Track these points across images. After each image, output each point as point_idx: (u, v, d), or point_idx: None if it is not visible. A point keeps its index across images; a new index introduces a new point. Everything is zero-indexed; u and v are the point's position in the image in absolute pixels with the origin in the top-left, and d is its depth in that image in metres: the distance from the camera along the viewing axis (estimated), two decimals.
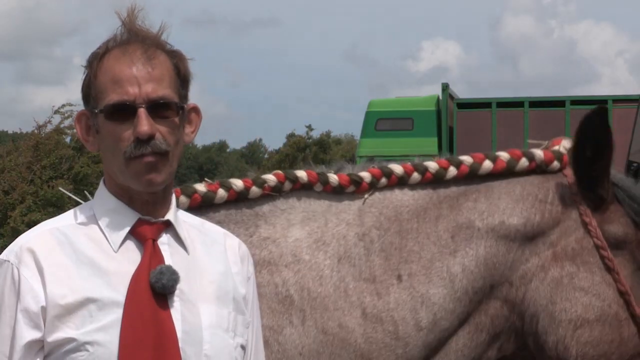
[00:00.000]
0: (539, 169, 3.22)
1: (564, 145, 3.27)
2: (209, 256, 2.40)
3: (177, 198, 3.00)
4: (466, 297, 3.03)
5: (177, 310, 2.26)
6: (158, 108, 2.27)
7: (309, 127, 44.13)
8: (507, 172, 3.22)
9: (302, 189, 3.18)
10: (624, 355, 3.08)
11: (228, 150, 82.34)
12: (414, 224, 3.12)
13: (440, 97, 19.97)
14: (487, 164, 3.21)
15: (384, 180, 3.19)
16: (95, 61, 2.32)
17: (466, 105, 20.47)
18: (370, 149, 19.31)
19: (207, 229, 2.49)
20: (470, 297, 3.04)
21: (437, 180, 3.20)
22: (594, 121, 3.09)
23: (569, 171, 3.20)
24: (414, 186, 3.20)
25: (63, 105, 33.96)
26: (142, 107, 2.25)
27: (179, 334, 2.24)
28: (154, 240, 2.31)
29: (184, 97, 2.36)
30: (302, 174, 3.17)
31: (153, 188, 2.30)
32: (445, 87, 19.86)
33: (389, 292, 3.01)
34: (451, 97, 20.15)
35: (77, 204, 2.54)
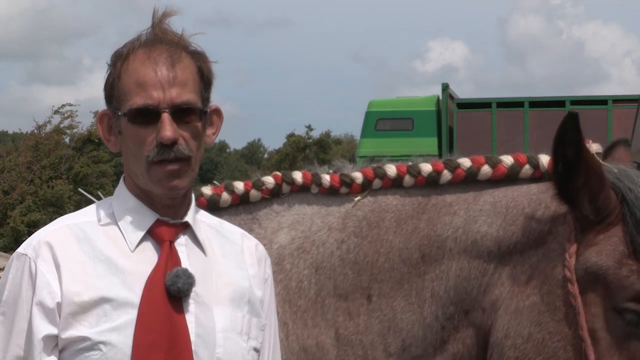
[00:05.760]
0: (544, 178, 2.77)
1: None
2: (225, 258, 2.39)
3: None
4: (437, 324, 2.74)
5: (191, 313, 2.25)
6: (182, 113, 2.26)
7: (309, 127, 44.14)
8: (510, 179, 2.80)
9: (301, 191, 3.03)
10: None
11: (228, 150, 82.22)
12: (391, 235, 2.84)
13: (440, 97, 19.97)
14: (486, 170, 2.83)
15: (377, 181, 2.95)
16: (119, 62, 2.29)
17: (466, 105, 20.46)
18: (370, 149, 19.31)
19: (225, 229, 2.48)
20: (442, 324, 2.74)
21: (431, 184, 2.88)
22: (565, 130, 2.56)
23: None
24: (408, 190, 2.91)
25: (63, 106, 34.04)
26: (166, 111, 2.24)
27: (193, 337, 2.23)
28: (171, 242, 2.30)
29: (206, 99, 2.35)
30: (297, 175, 3.04)
31: (175, 193, 2.30)
32: (445, 87, 19.85)
33: (359, 313, 2.81)
34: (451, 97, 20.14)
35: (77, 205, 2.54)
